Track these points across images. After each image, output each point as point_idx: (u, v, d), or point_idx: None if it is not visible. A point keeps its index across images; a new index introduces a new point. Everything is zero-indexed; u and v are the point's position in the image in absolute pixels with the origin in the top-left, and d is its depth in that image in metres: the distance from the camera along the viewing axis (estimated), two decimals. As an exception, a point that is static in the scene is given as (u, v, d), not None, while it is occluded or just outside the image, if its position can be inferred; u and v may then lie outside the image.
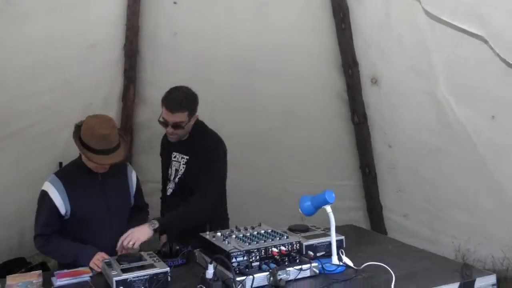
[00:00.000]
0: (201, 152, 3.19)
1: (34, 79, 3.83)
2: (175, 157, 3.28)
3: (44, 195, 2.84)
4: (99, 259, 2.72)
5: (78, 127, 2.84)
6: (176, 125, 3.10)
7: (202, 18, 4.30)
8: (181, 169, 3.25)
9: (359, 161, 4.51)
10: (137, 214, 3.15)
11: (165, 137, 3.36)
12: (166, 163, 3.34)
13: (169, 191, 3.28)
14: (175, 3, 4.25)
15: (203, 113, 3.25)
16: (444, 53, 3.38)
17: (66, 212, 2.85)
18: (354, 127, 4.37)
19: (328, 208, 2.62)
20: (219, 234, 2.70)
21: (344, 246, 2.77)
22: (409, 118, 3.92)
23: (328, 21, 4.02)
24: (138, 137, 5.08)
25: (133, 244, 2.80)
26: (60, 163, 4.13)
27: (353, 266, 2.57)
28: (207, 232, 2.74)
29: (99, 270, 2.66)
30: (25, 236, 4.33)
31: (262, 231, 2.71)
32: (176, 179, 3.26)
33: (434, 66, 3.48)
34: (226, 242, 2.55)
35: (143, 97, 4.93)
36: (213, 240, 2.62)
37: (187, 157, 3.24)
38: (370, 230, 4.10)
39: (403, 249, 2.97)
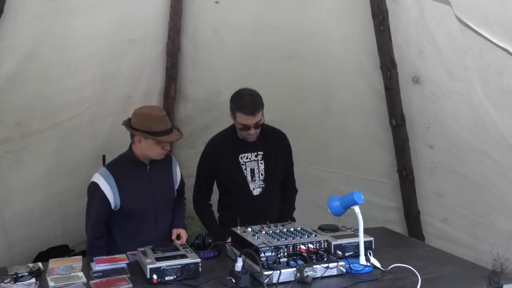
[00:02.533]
0: (279, 144, 3.40)
1: (76, 73, 3.97)
2: (246, 157, 3.30)
3: (95, 187, 2.90)
4: None
5: (129, 120, 2.93)
6: (257, 125, 3.17)
7: (242, 13, 4.35)
8: (260, 166, 3.32)
9: (397, 164, 4.44)
10: (178, 201, 3.27)
11: (218, 144, 3.35)
12: (230, 168, 3.30)
13: (258, 191, 3.29)
14: (216, 2, 4.32)
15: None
16: (476, 58, 3.31)
17: (116, 205, 2.93)
18: (392, 129, 4.32)
19: (357, 209, 2.64)
20: (249, 229, 2.78)
21: (373, 247, 2.78)
22: (450, 118, 3.83)
23: (367, 19, 3.96)
24: (179, 133, 5.19)
25: None
26: (103, 156, 4.21)
27: (380, 267, 2.59)
28: (238, 227, 2.82)
29: None
30: (68, 224, 4.49)
31: (292, 229, 2.77)
32: (261, 177, 3.30)
33: (469, 69, 3.41)
34: (256, 237, 2.63)
35: (184, 94, 5.03)
36: (244, 235, 2.70)
37: (262, 153, 3.32)
38: (401, 234, 4.05)
39: (432, 253, 2.96)
